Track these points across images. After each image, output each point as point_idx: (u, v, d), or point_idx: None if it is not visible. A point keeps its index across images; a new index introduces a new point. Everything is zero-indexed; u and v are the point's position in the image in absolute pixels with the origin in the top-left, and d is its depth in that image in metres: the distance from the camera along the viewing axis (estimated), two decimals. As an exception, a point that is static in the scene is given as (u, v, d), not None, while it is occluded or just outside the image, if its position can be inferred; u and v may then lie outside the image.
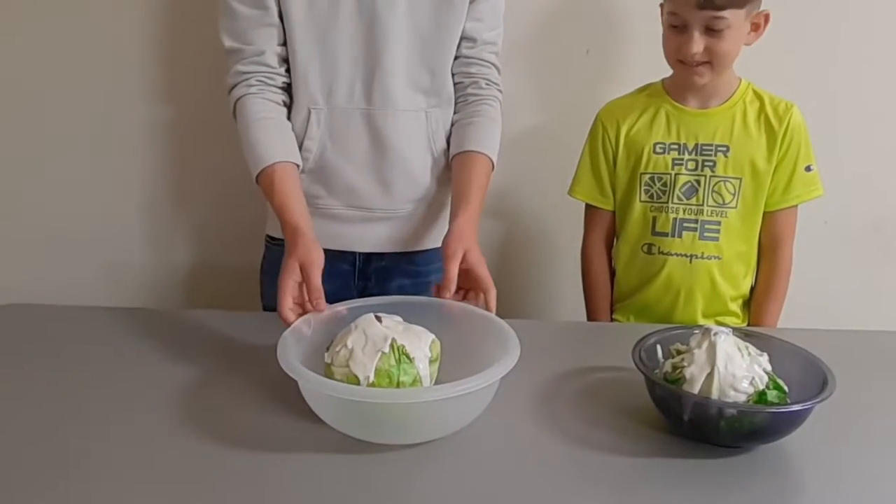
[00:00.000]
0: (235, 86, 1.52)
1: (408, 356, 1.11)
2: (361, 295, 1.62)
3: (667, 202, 1.73)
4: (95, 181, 2.10)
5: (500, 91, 1.65)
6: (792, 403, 1.08)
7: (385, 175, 1.56)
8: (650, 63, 1.73)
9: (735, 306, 1.80)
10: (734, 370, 1.09)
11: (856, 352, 1.45)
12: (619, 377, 1.30)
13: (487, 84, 1.63)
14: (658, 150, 1.73)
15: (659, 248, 1.75)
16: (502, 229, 2.20)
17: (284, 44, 1.51)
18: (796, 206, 1.73)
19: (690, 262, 1.73)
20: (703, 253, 1.73)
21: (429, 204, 1.64)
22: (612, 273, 1.89)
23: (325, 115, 1.53)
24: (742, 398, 1.08)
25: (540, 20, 2.02)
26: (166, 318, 1.56)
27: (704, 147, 1.71)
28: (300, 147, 1.53)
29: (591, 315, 1.90)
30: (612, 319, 1.88)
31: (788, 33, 1.84)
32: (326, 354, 1.15)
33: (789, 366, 1.16)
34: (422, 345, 1.14)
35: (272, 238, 1.68)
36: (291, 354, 1.11)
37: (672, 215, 1.73)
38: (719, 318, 1.78)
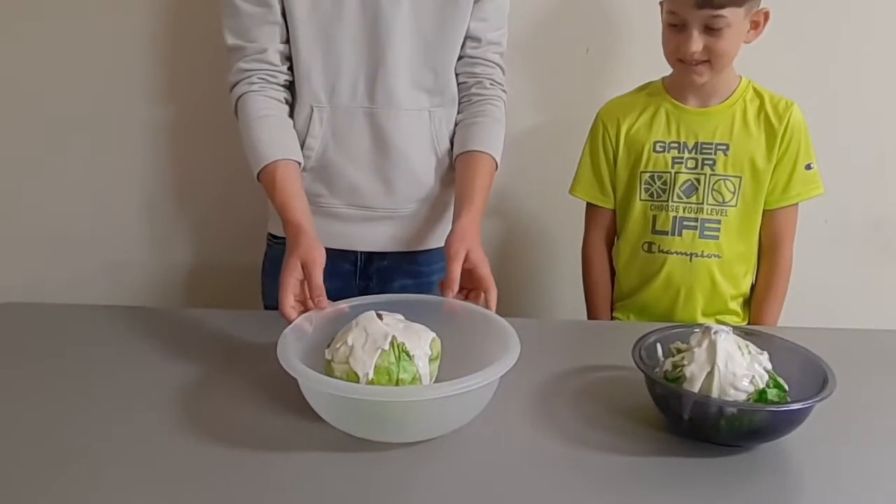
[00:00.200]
0: (237, 83, 1.51)
1: (408, 354, 1.11)
2: (363, 295, 1.62)
3: (667, 201, 1.73)
4: (96, 180, 2.10)
5: (504, 91, 1.66)
6: (792, 402, 1.08)
7: (387, 174, 1.56)
8: (650, 62, 1.73)
9: (735, 305, 1.80)
10: (734, 369, 1.09)
11: (856, 350, 1.45)
12: (619, 376, 1.30)
13: (492, 84, 1.63)
14: (658, 148, 1.73)
15: (659, 246, 1.75)
16: (503, 228, 2.20)
17: (287, 41, 1.51)
18: (796, 204, 1.73)
19: (690, 260, 1.73)
20: (703, 251, 1.73)
21: (431, 204, 1.63)
22: (613, 272, 1.89)
23: (327, 114, 1.53)
24: (742, 397, 1.08)
25: (540, 19, 2.02)
26: (167, 317, 1.56)
27: (704, 145, 1.71)
28: (302, 145, 1.53)
29: (592, 314, 1.90)
30: (612, 318, 1.88)
31: (789, 31, 1.84)
32: (327, 351, 1.15)
33: (789, 364, 1.16)
34: (422, 343, 1.14)
35: (274, 236, 1.68)
36: (291, 352, 1.11)
37: (672, 214, 1.73)
38: (719, 317, 1.78)
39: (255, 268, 1.76)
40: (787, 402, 1.08)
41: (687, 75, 1.66)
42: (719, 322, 1.73)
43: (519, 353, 1.11)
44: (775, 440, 1.10)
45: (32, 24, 1.98)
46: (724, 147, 1.69)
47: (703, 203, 1.71)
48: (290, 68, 1.54)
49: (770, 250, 1.77)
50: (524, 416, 1.19)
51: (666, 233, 1.74)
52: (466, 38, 1.57)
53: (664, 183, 1.73)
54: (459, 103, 1.63)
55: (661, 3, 1.67)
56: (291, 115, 1.55)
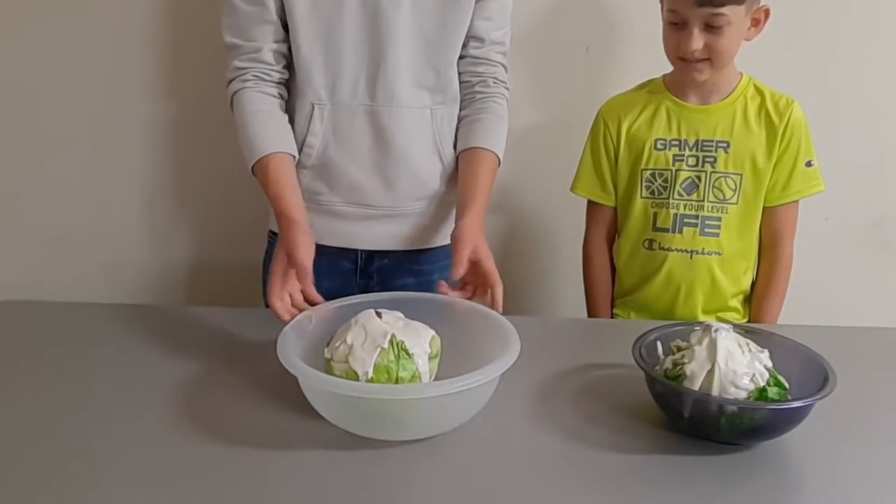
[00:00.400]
0: (232, 80, 1.53)
1: (407, 352, 1.11)
2: (363, 293, 1.62)
3: (667, 198, 1.73)
4: (96, 178, 2.10)
5: (506, 89, 1.66)
6: (792, 400, 1.08)
7: (388, 173, 1.56)
8: (650, 60, 1.73)
9: (736, 302, 1.80)
10: (735, 367, 1.08)
11: (856, 348, 1.45)
12: (620, 374, 1.30)
13: (495, 83, 1.64)
14: (659, 146, 1.73)
15: (660, 244, 1.75)
16: (505, 225, 2.20)
17: (284, 40, 1.52)
18: (797, 201, 1.73)
19: (691, 257, 1.73)
20: (703, 249, 1.73)
21: (433, 202, 1.63)
22: (614, 269, 1.89)
23: (328, 112, 1.53)
24: (742, 395, 1.08)
25: (540, 18, 2.02)
26: (167, 315, 1.56)
27: (705, 143, 1.70)
28: (303, 143, 1.54)
29: (592, 311, 1.91)
30: (612, 315, 1.88)
31: (789, 29, 1.84)
32: (326, 350, 1.15)
33: (790, 362, 1.16)
34: (421, 341, 1.14)
35: (274, 234, 1.68)
36: (291, 350, 1.11)
37: (673, 211, 1.73)
38: (720, 314, 1.78)
39: (256, 265, 1.76)
40: (787, 401, 1.08)
41: (688, 73, 1.66)
42: (720, 319, 1.74)
43: (519, 351, 1.11)
44: (776, 438, 1.10)
45: (32, 24, 1.98)
46: (725, 144, 1.69)
47: (703, 200, 1.71)
48: (287, 66, 1.55)
49: (770, 247, 1.77)
50: (524, 414, 1.19)
51: (666, 230, 1.74)
52: (470, 37, 1.58)
53: (665, 180, 1.73)
54: (462, 101, 1.63)
55: (661, 2, 1.67)
56: (290, 112, 1.56)
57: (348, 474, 1.02)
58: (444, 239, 1.65)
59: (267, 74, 1.52)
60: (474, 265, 1.39)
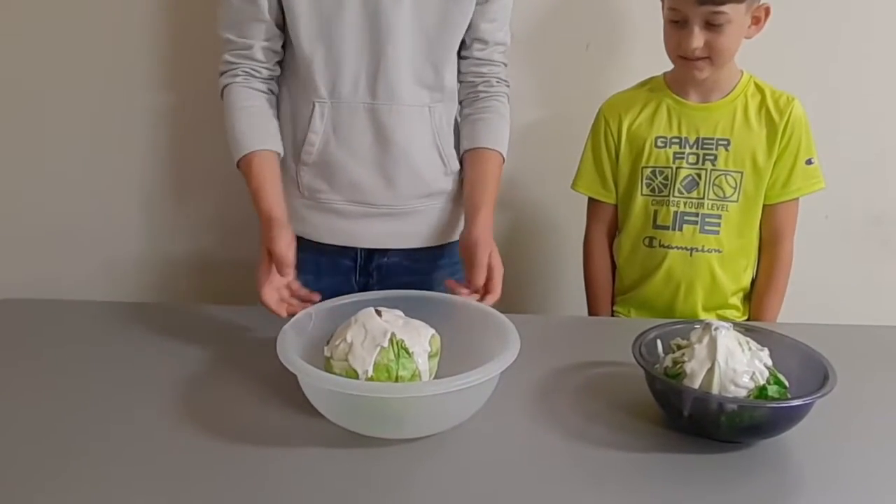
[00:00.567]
0: (223, 74, 1.55)
1: (407, 351, 1.11)
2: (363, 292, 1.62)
3: (668, 196, 1.73)
4: (95, 176, 2.09)
5: (507, 86, 1.67)
6: (792, 398, 1.08)
7: (388, 170, 1.56)
8: (651, 58, 1.73)
9: (735, 299, 1.80)
10: (735, 365, 1.08)
11: (857, 347, 1.45)
12: (620, 372, 1.30)
13: (498, 82, 1.65)
14: (659, 143, 1.73)
15: (660, 241, 1.76)
16: (506, 222, 2.19)
17: (277, 37, 1.53)
18: (797, 199, 1.73)
19: (691, 255, 1.73)
20: (703, 246, 1.73)
21: (432, 201, 1.63)
22: (614, 266, 1.89)
23: (328, 109, 1.53)
24: (742, 393, 1.08)
25: (541, 16, 2.02)
26: (167, 313, 1.56)
27: (705, 141, 1.70)
28: (303, 141, 1.54)
29: (592, 308, 1.91)
30: (613, 312, 1.88)
31: (790, 26, 1.84)
32: (326, 348, 1.15)
33: (790, 361, 1.16)
34: (421, 339, 1.14)
35: None
36: (291, 348, 1.11)
37: (673, 209, 1.73)
38: (720, 312, 1.78)
39: (255, 262, 1.75)
40: (787, 399, 1.08)
41: (688, 71, 1.66)
42: (720, 317, 1.74)
43: (518, 350, 1.11)
44: (775, 436, 1.10)
45: (31, 21, 1.97)
46: (726, 142, 1.69)
47: (703, 198, 1.71)
48: (278, 63, 1.57)
49: (770, 245, 1.77)
50: (524, 413, 1.19)
51: (667, 227, 1.74)
52: (474, 40, 1.58)
53: (665, 178, 1.73)
54: (465, 99, 1.64)
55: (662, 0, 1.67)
56: (290, 110, 1.57)
57: (348, 473, 1.02)
58: (443, 238, 1.66)
59: (257, 71, 1.54)
60: (487, 271, 1.42)
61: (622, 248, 1.84)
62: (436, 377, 1.16)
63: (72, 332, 1.46)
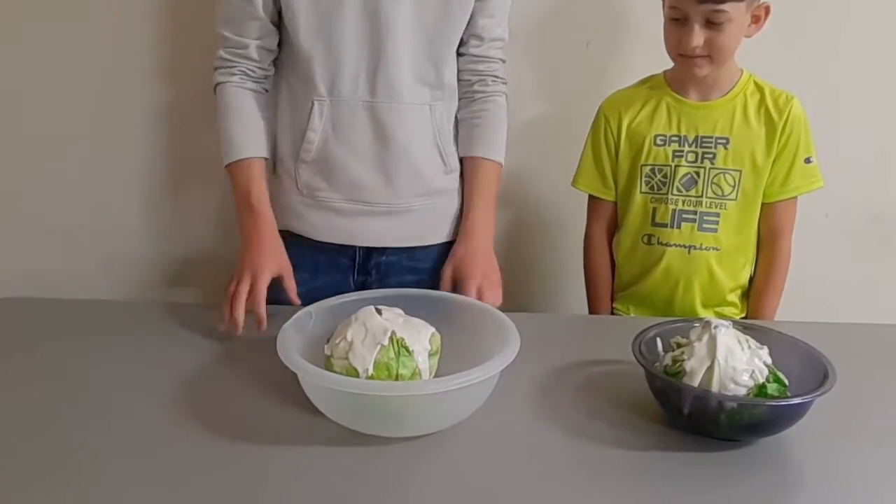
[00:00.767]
0: (219, 69, 1.56)
1: (407, 349, 1.11)
2: (361, 290, 1.62)
3: (667, 194, 1.73)
4: (95, 175, 2.09)
5: (505, 83, 1.68)
6: (792, 397, 1.08)
7: (388, 168, 1.56)
8: (651, 55, 1.73)
9: (734, 297, 1.80)
10: (734, 363, 1.08)
11: (856, 345, 1.46)
12: (619, 370, 1.30)
13: (494, 80, 1.65)
14: (659, 141, 1.73)
15: (658, 239, 1.76)
16: (507, 220, 2.19)
17: (272, 35, 1.54)
18: (796, 197, 1.73)
19: (689, 252, 1.74)
20: (701, 244, 1.73)
21: (432, 199, 1.63)
22: (614, 263, 1.90)
23: (328, 107, 1.53)
24: (742, 391, 1.08)
25: (541, 14, 2.02)
26: (167, 311, 1.56)
27: (704, 139, 1.71)
28: (302, 138, 1.54)
29: (592, 304, 1.91)
30: (612, 309, 1.89)
31: (790, 25, 1.84)
32: (326, 347, 1.14)
33: (789, 359, 1.16)
34: (421, 338, 1.14)
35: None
36: (291, 347, 1.11)
37: (671, 207, 1.73)
38: (718, 309, 1.78)
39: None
40: (786, 397, 1.08)
41: (688, 69, 1.66)
42: (718, 314, 1.74)
43: (518, 348, 1.11)
44: (775, 434, 1.10)
45: (29, 19, 1.97)
46: (724, 141, 1.69)
47: (702, 196, 1.72)
48: (274, 62, 1.58)
49: (769, 243, 1.77)
50: (524, 411, 1.19)
51: (665, 225, 1.75)
52: (470, 35, 1.59)
53: (664, 176, 1.73)
54: (461, 100, 1.64)
55: (662, -3, 1.67)
56: (289, 107, 1.58)
57: (348, 471, 1.02)
58: (441, 236, 1.66)
59: (252, 71, 1.56)
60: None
61: (621, 246, 1.84)
62: (436, 375, 1.16)
63: (72, 330, 1.46)
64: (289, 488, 0.99)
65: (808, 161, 1.70)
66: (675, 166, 1.72)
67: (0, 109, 2.05)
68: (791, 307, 1.79)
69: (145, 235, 2.16)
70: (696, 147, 1.71)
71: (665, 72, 1.77)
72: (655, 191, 1.75)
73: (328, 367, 1.12)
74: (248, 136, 1.54)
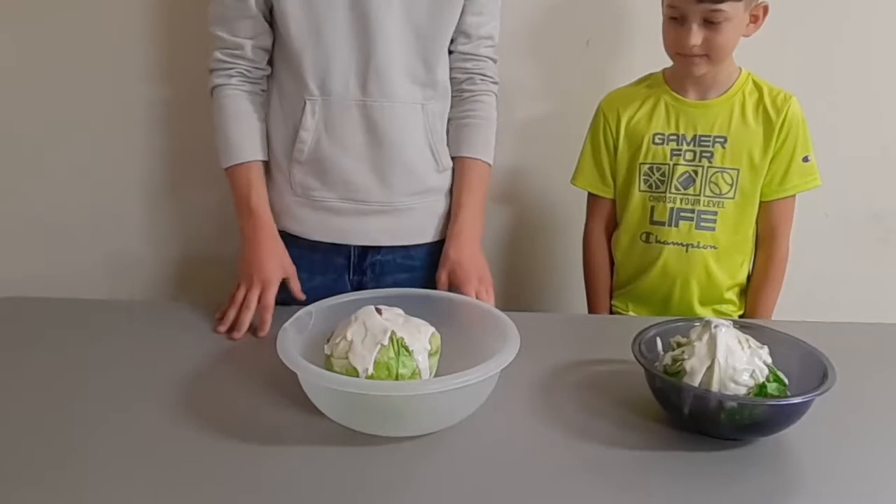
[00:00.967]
0: (215, 71, 1.56)
1: (407, 349, 1.11)
2: (357, 290, 1.62)
3: (665, 192, 1.74)
4: (94, 174, 2.08)
5: (494, 83, 1.68)
6: (792, 396, 1.08)
7: (381, 167, 1.56)
8: (651, 54, 1.73)
9: (732, 294, 1.80)
10: (734, 363, 1.09)
11: (856, 344, 1.46)
12: (619, 370, 1.30)
13: (482, 79, 1.65)
14: (657, 140, 1.73)
15: (656, 237, 1.76)
16: (507, 217, 2.20)
17: (266, 33, 1.54)
18: (793, 196, 1.74)
19: (686, 251, 1.74)
20: (699, 242, 1.73)
21: (426, 197, 1.63)
22: (613, 261, 1.90)
23: (320, 106, 1.52)
24: (742, 391, 1.08)
25: (541, 12, 2.01)
26: (167, 310, 1.56)
27: (703, 138, 1.71)
28: (295, 138, 1.54)
29: (591, 302, 1.92)
30: (610, 306, 1.89)
31: (790, 24, 1.85)
32: (326, 346, 1.14)
33: (789, 358, 1.16)
34: (421, 337, 1.14)
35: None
36: (291, 346, 1.11)
37: (669, 205, 1.73)
38: (716, 307, 1.79)
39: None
40: (786, 396, 1.09)
41: (686, 67, 1.67)
42: (716, 311, 1.75)
43: (518, 347, 1.11)
44: (775, 434, 1.10)
45: (29, 19, 1.97)
46: (722, 140, 1.70)
47: (700, 195, 1.72)
48: (269, 61, 1.58)
49: (767, 241, 1.77)
50: (524, 410, 1.19)
51: (663, 223, 1.75)
52: (458, 32, 1.58)
53: (662, 174, 1.74)
54: (451, 98, 1.63)
55: (661, -4, 1.67)
56: (281, 107, 1.58)
57: (348, 470, 1.02)
58: (437, 234, 1.66)
59: (249, 72, 1.56)
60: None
61: (620, 243, 1.84)
62: (436, 375, 1.16)
63: (72, 330, 1.45)
64: (289, 488, 0.98)
65: (805, 160, 1.70)
66: (674, 165, 1.72)
67: (0, 110, 2.04)
68: (791, 306, 1.79)
69: (145, 235, 2.15)
70: (694, 146, 1.71)
71: (664, 70, 1.77)
72: (654, 189, 1.75)
73: (328, 366, 1.12)
74: (248, 139, 1.55)
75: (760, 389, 1.08)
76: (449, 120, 1.65)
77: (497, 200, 2.13)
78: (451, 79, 1.63)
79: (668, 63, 1.72)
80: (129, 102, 2.04)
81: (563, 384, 1.27)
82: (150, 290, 2.19)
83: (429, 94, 1.58)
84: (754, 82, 1.71)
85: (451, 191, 1.66)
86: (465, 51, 1.61)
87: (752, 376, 1.08)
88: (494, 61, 1.67)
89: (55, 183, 2.09)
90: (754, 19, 1.63)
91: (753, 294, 1.80)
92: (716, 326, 1.13)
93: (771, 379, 1.10)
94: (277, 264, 1.53)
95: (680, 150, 1.72)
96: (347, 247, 1.63)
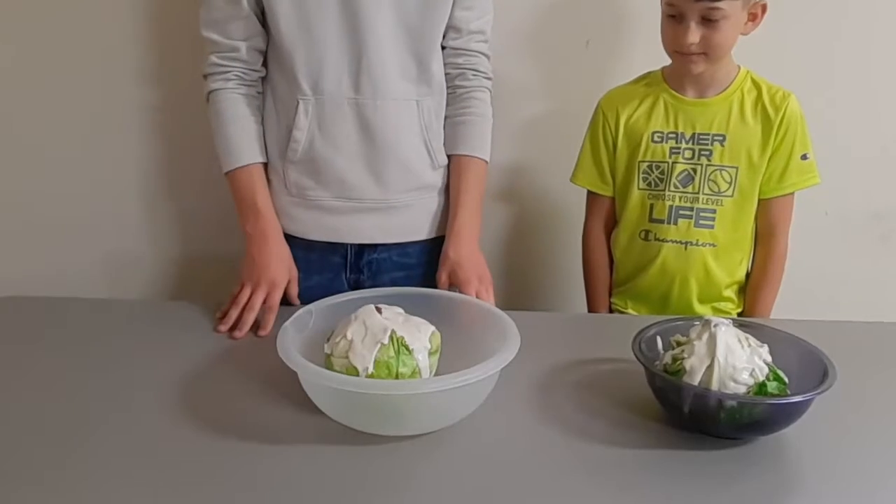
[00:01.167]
0: (211, 75, 1.56)
1: (407, 348, 1.11)
2: (353, 289, 1.62)
3: (664, 190, 1.74)
4: (95, 174, 2.09)
5: (488, 79, 1.68)
6: (792, 395, 1.08)
7: (376, 165, 1.56)
8: (651, 53, 1.73)
9: (730, 292, 1.81)
10: (734, 361, 1.09)
11: (856, 343, 1.46)
12: (619, 369, 1.30)
13: (475, 75, 1.64)
14: (656, 138, 1.73)
15: (655, 234, 1.77)
16: (507, 217, 2.20)
17: (260, 34, 1.54)
18: (792, 194, 1.74)
19: (685, 248, 1.74)
20: (697, 240, 1.73)
21: (422, 195, 1.64)
22: (612, 258, 1.90)
23: (312, 105, 1.52)
24: (742, 389, 1.08)
25: (541, 12, 2.01)
26: (167, 310, 1.56)
27: (701, 136, 1.71)
28: (288, 138, 1.54)
29: (590, 299, 1.92)
30: (610, 304, 1.89)
31: (789, 22, 1.85)
32: (326, 345, 1.14)
33: (789, 357, 1.16)
34: (421, 336, 1.14)
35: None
36: (291, 345, 1.11)
37: (668, 203, 1.74)
38: (715, 304, 1.79)
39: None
40: (786, 395, 1.09)
41: (684, 65, 1.67)
42: (715, 309, 1.75)
43: (519, 347, 1.11)
44: (775, 433, 1.10)
45: (29, 18, 1.96)
46: (721, 138, 1.70)
47: (698, 193, 1.72)
48: (264, 64, 1.58)
49: (765, 239, 1.78)
50: (524, 409, 1.19)
51: (662, 221, 1.75)
52: (449, 28, 1.58)
53: (661, 172, 1.74)
54: (445, 95, 1.63)
55: (660, -6, 1.67)
56: (274, 107, 1.58)
57: (348, 470, 1.02)
58: (433, 231, 1.66)
59: (246, 74, 1.56)
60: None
61: (619, 241, 1.85)
62: (436, 374, 1.16)
63: (72, 330, 1.46)
64: (289, 487, 0.99)
65: (804, 158, 1.70)
66: (673, 163, 1.73)
67: (0, 110, 2.04)
68: (791, 305, 1.79)
69: (145, 235, 2.15)
70: (692, 144, 1.71)
71: (663, 68, 1.77)
72: (653, 187, 1.75)
73: (328, 365, 1.12)
74: (248, 142, 1.55)
75: (760, 388, 1.08)
76: (444, 118, 1.65)
77: (497, 199, 2.13)
78: (445, 74, 1.63)
79: (668, 62, 1.72)
80: (130, 102, 2.04)
81: (563, 383, 1.27)
82: (150, 290, 2.19)
83: (424, 91, 1.58)
84: (753, 80, 1.71)
85: (446, 188, 1.66)
86: (456, 46, 1.61)
87: (751, 375, 1.08)
88: (487, 56, 1.67)
89: (55, 182, 2.08)
90: (753, 17, 1.63)
91: (752, 292, 1.80)
92: (715, 325, 1.13)
93: (771, 378, 1.09)
94: (285, 266, 1.53)
95: (679, 148, 1.72)
96: (343, 246, 1.63)
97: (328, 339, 1.15)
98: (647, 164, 1.75)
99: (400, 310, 1.19)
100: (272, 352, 1.10)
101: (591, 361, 1.34)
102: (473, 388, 1.07)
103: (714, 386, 1.08)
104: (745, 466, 1.05)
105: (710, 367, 1.09)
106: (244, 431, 1.10)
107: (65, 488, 0.98)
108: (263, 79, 1.60)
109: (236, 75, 1.55)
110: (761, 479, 1.03)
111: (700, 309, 1.77)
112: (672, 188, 1.73)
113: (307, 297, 1.37)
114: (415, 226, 1.65)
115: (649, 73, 1.79)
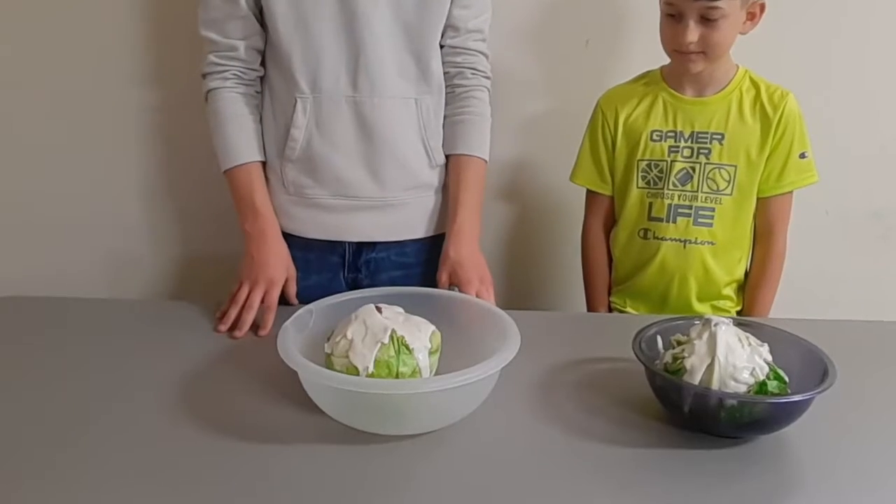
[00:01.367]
0: (209, 74, 1.56)
1: (407, 347, 1.11)
2: (352, 288, 1.62)
3: (662, 188, 1.74)
4: (95, 174, 2.08)
5: (486, 77, 1.67)
6: (792, 394, 1.08)
7: (374, 163, 1.56)
8: (650, 52, 1.73)
9: (729, 290, 1.81)
10: (735, 361, 1.08)
11: (857, 342, 1.46)
12: (620, 368, 1.30)
13: (473, 73, 1.64)
14: (655, 137, 1.74)
15: (654, 233, 1.77)
16: (507, 215, 2.20)
17: (258, 34, 1.54)
18: (791, 192, 1.74)
19: (684, 247, 1.74)
20: (696, 238, 1.74)
21: (419, 193, 1.64)
22: (611, 257, 1.90)
23: (310, 104, 1.52)
24: (742, 389, 1.08)
25: (541, 12, 2.01)
26: (167, 309, 1.56)
27: (700, 135, 1.71)
28: (286, 136, 1.54)
29: (589, 298, 1.92)
30: (609, 303, 1.90)
31: (788, 21, 1.84)
32: (326, 345, 1.14)
33: (790, 356, 1.16)
34: (422, 335, 1.14)
35: None
36: (292, 345, 1.11)
37: (667, 201, 1.74)
38: (714, 303, 1.79)
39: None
40: (787, 394, 1.08)
41: (682, 64, 1.67)
42: (714, 307, 1.75)
43: (519, 346, 1.11)
44: (775, 432, 1.10)
45: (29, 17, 1.96)
46: (720, 136, 1.70)
47: (697, 191, 1.72)
48: (262, 63, 1.58)
49: (764, 237, 1.78)
50: (524, 408, 1.19)
51: (661, 219, 1.75)
52: (446, 26, 1.58)
53: (660, 171, 1.74)
54: (444, 94, 1.63)
55: (659, -7, 1.67)
56: (272, 105, 1.58)
57: (348, 469, 1.02)
58: (429, 229, 1.67)
59: (245, 73, 1.56)
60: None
61: (618, 240, 1.85)
62: (436, 374, 1.16)
63: (72, 330, 1.46)
64: (289, 487, 0.99)
65: (802, 156, 1.70)
66: (671, 161, 1.73)
67: (0, 110, 2.04)
68: (791, 304, 1.79)
69: (145, 235, 2.15)
70: (691, 142, 1.72)
71: (662, 67, 1.77)
72: (652, 186, 1.75)
73: (328, 365, 1.12)
74: (246, 141, 1.55)
75: (761, 387, 1.08)
76: (443, 117, 1.65)
77: (497, 198, 2.13)
78: (444, 73, 1.63)
79: (667, 61, 1.72)
80: (129, 102, 2.04)
81: (564, 382, 1.27)
82: (150, 290, 2.19)
83: (422, 89, 1.58)
84: (751, 79, 1.72)
85: (443, 187, 1.66)
86: (454, 44, 1.60)
87: (752, 374, 1.08)
88: (486, 55, 1.67)
89: (55, 182, 2.08)
90: (751, 16, 1.63)
91: (751, 290, 1.81)
92: (716, 324, 1.13)
93: (771, 377, 1.09)
94: (283, 265, 1.53)
95: (677, 146, 1.72)
96: (342, 245, 1.64)
97: (328, 339, 1.15)
98: (645, 162, 1.75)
99: (400, 309, 1.19)
100: (272, 351, 1.10)
101: (591, 361, 1.34)
102: (473, 388, 1.07)
103: (714, 385, 1.08)
104: (745, 465, 1.05)
105: (710, 367, 1.09)
106: (244, 431, 1.10)
107: (65, 488, 0.98)
108: (262, 78, 1.59)
109: (234, 74, 1.55)
110: (761, 478, 1.03)
111: (699, 307, 1.77)
112: (671, 187, 1.73)
113: (306, 297, 1.37)
114: (411, 224, 1.65)
115: (648, 72, 1.79)
